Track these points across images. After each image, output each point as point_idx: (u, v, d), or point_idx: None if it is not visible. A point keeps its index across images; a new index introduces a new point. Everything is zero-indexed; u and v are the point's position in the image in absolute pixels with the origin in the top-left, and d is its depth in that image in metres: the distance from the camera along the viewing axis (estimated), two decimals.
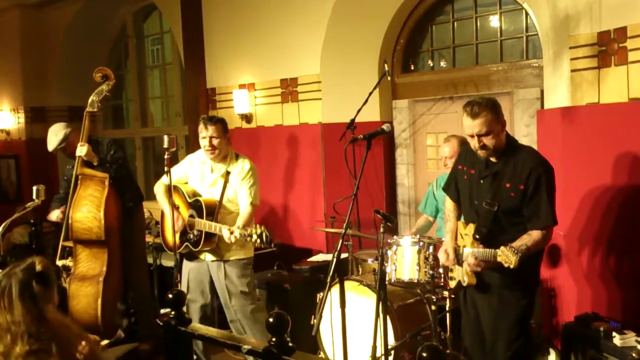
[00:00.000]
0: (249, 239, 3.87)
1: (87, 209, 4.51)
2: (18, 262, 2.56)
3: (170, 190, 4.16)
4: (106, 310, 4.50)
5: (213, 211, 4.27)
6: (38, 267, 2.53)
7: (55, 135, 4.95)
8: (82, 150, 4.71)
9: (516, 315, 3.40)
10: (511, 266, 3.09)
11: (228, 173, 4.35)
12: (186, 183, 4.56)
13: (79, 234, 4.53)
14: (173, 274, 4.42)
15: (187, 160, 4.63)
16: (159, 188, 4.55)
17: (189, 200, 4.39)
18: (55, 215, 5.02)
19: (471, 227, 3.45)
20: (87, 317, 4.46)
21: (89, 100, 4.79)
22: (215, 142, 4.32)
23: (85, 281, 4.52)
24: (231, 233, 3.97)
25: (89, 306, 4.46)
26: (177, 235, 4.35)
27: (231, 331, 4.46)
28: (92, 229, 4.50)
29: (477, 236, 3.39)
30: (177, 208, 4.42)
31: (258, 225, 3.87)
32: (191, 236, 4.34)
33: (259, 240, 3.83)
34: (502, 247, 3.15)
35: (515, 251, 3.10)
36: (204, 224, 4.20)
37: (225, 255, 4.38)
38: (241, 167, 4.39)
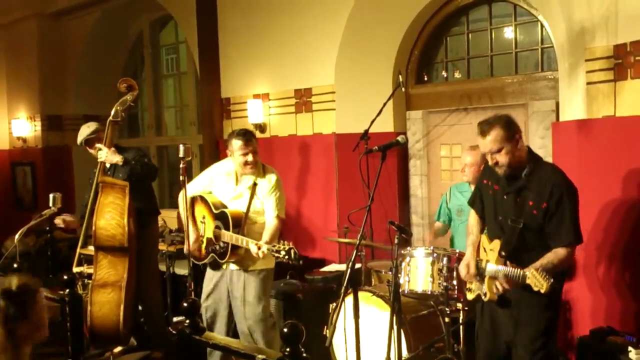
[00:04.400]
0: (276, 254, 3.85)
1: (111, 216, 4.56)
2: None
3: (185, 198, 4.20)
4: (126, 316, 4.54)
5: (239, 223, 4.26)
6: (13, 285, 2.48)
7: (88, 127, 5.09)
8: (102, 154, 4.77)
9: (539, 327, 3.36)
10: (542, 291, 3.05)
11: (255, 185, 4.35)
12: (210, 193, 4.55)
13: (103, 240, 4.57)
14: (186, 282, 4.43)
15: (212, 170, 4.62)
16: (183, 201, 4.52)
17: (215, 212, 4.38)
18: (59, 220, 5.11)
19: (496, 243, 3.42)
20: (110, 323, 4.49)
21: (113, 110, 4.84)
22: (256, 156, 4.35)
23: (107, 287, 4.55)
24: (259, 248, 3.96)
25: (111, 312, 4.49)
26: (196, 247, 4.40)
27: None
28: (115, 235, 4.55)
29: (503, 253, 3.37)
30: (203, 218, 4.43)
31: (286, 242, 3.85)
32: (217, 247, 4.32)
33: (287, 257, 3.80)
34: (532, 271, 3.12)
35: (546, 276, 3.06)
36: (230, 237, 4.18)
37: (246, 264, 4.37)
38: (268, 179, 4.39)
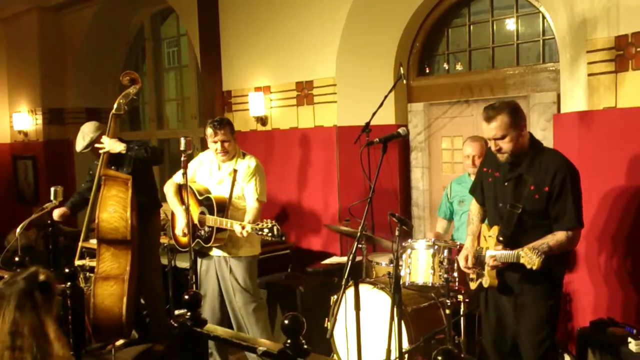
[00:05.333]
0: (260, 232, 3.95)
1: (114, 209, 4.59)
2: (20, 271, 2.52)
3: (187, 191, 4.25)
4: (129, 309, 4.56)
5: (223, 208, 4.37)
6: (41, 277, 2.44)
7: (82, 139, 5.03)
8: (104, 145, 4.78)
9: (542, 317, 3.37)
10: (534, 267, 3.08)
11: (235, 171, 4.44)
12: (194, 182, 4.64)
13: (105, 233, 4.60)
14: (188, 275, 4.46)
15: (197, 160, 4.73)
16: (169, 188, 4.69)
17: (200, 198, 4.48)
18: (57, 213, 5.12)
19: (495, 230, 3.44)
20: (113, 316, 4.52)
21: (116, 103, 4.84)
22: (226, 145, 4.42)
23: (110, 280, 4.58)
24: (243, 228, 4.05)
25: (114, 305, 4.52)
26: (189, 234, 4.41)
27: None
28: (118, 228, 4.58)
29: (501, 238, 3.38)
30: (188, 206, 4.46)
31: (269, 220, 3.96)
32: (202, 233, 4.43)
33: (270, 234, 3.91)
34: (525, 249, 3.15)
35: (538, 252, 3.09)
36: (215, 220, 4.29)
37: (232, 251, 4.46)
38: (247, 165, 4.48)
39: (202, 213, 4.44)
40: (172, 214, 4.77)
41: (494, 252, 3.36)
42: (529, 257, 3.10)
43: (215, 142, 4.42)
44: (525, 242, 3.29)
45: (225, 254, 4.48)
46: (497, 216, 3.50)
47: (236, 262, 4.47)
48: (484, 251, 3.47)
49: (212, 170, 4.58)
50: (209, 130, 4.43)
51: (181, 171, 4.60)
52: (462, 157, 4.76)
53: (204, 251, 4.53)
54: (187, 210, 4.28)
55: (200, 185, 4.58)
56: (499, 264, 3.32)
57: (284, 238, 3.98)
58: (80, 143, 5.02)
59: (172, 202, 4.67)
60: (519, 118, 3.34)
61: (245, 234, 4.09)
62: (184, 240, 4.56)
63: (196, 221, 4.46)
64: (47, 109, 9.28)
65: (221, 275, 4.51)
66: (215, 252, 4.50)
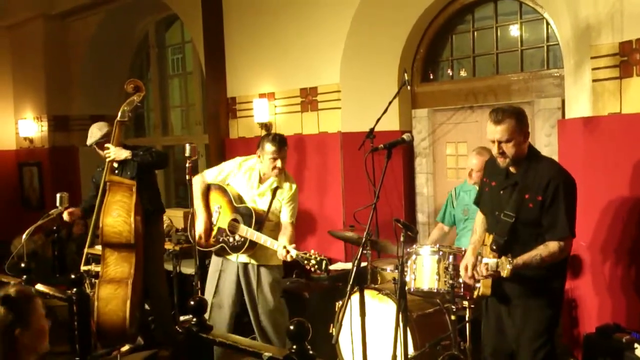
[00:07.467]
0: (305, 262, 3.96)
1: (118, 213, 4.63)
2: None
3: (191, 195, 4.27)
4: (133, 313, 4.58)
5: (260, 220, 4.33)
6: (10, 291, 2.46)
7: (99, 130, 5.11)
8: (110, 152, 4.80)
9: (540, 326, 3.36)
10: (504, 275, 3.11)
11: (277, 188, 4.42)
12: (228, 185, 4.54)
13: (110, 237, 4.63)
14: (193, 281, 4.45)
15: (236, 162, 4.61)
16: (197, 183, 4.55)
17: (235, 204, 4.42)
18: (65, 214, 5.17)
19: (490, 238, 3.44)
20: (116, 319, 4.54)
21: (120, 110, 4.89)
22: (284, 164, 4.40)
23: (114, 284, 4.61)
24: (287, 252, 4.04)
25: (118, 308, 4.54)
26: (203, 230, 4.43)
27: (254, 337, 4.49)
28: (122, 232, 4.61)
29: (494, 247, 3.38)
30: (219, 208, 4.48)
31: (318, 253, 3.97)
32: (231, 239, 4.37)
33: (317, 266, 3.93)
34: (502, 257, 3.15)
35: (511, 261, 3.09)
36: (252, 234, 4.25)
37: (262, 259, 4.42)
38: (289, 187, 4.46)
39: (235, 220, 4.37)
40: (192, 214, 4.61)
41: (486, 260, 3.35)
42: (502, 264, 3.12)
43: (276, 159, 4.33)
44: (519, 250, 3.28)
45: (254, 262, 4.43)
46: (494, 224, 3.50)
47: (266, 270, 4.44)
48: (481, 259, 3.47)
49: (251, 181, 4.48)
50: (272, 148, 4.31)
51: (214, 170, 4.62)
52: (468, 167, 4.71)
53: (223, 255, 4.49)
54: (192, 215, 4.28)
55: (234, 191, 4.49)
56: (490, 272, 3.29)
57: (329, 274, 3.96)
58: (97, 133, 5.12)
59: (196, 199, 4.52)
60: (525, 125, 3.35)
61: (289, 259, 4.06)
62: (202, 240, 4.51)
63: (225, 226, 4.40)
64: (52, 116, 9.32)
65: (246, 282, 4.46)
66: (240, 257, 4.43)
